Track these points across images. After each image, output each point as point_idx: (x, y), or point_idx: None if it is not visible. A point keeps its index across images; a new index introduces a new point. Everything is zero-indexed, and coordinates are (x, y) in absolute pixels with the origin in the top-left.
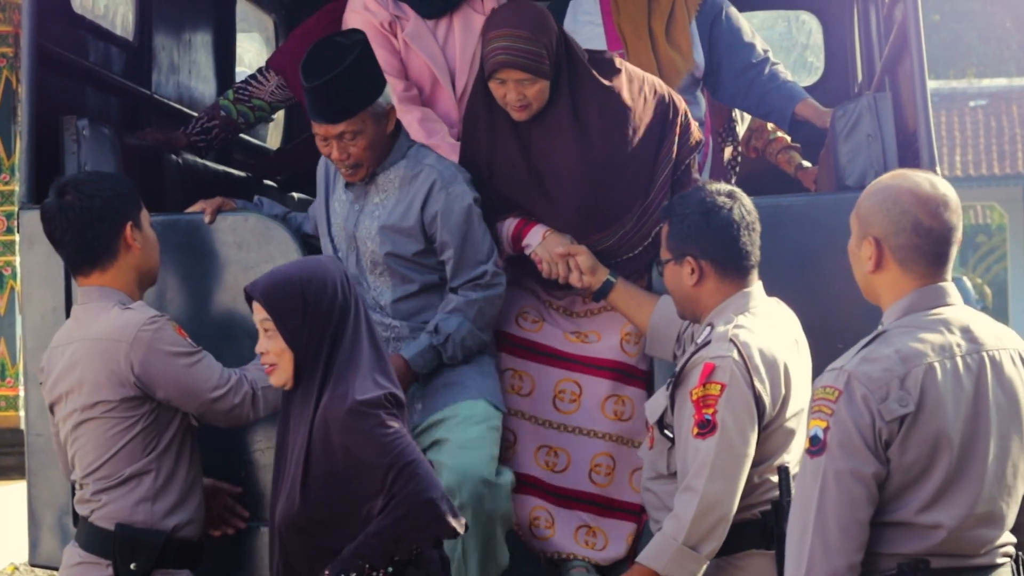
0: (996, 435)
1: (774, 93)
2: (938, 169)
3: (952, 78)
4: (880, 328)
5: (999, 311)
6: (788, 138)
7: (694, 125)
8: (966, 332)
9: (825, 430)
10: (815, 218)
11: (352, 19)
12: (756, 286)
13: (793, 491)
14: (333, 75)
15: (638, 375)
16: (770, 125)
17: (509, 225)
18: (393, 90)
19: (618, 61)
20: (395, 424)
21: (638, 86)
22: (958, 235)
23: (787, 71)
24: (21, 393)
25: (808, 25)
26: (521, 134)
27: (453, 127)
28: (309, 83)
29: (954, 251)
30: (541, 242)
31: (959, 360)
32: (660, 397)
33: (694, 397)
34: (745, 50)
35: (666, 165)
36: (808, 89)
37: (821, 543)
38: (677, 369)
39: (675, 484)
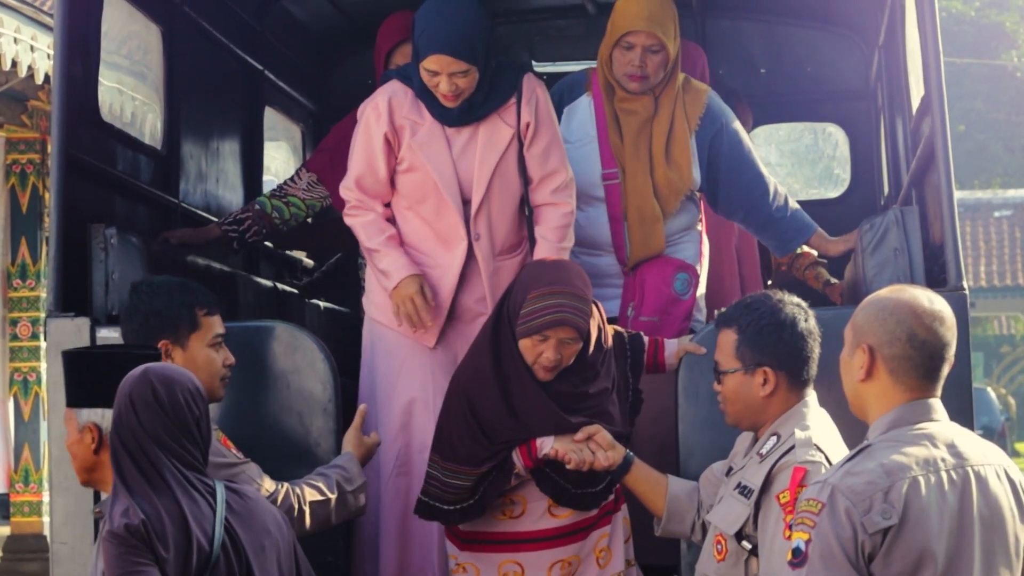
0: (981, 550)
1: (781, 224)
2: (965, 283)
3: (977, 188)
4: (865, 442)
5: None
6: (815, 253)
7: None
8: (951, 447)
9: (807, 542)
10: (841, 331)
11: (363, 114)
12: (812, 396)
13: None
14: None
15: None
16: None
17: (516, 452)
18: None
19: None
20: (135, 559)
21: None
22: (951, 353)
23: (787, 194)
24: (45, 499)
25: (834, 137)
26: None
27: (463, 240)
28: None
29: (946, 369)
30: (556, 439)
31: (944, 474)
32: (736, 506)
33: (783, 500)
34: (748, 171)
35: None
36: (834, 201)
37: None
38: (759, 478)
39: None
